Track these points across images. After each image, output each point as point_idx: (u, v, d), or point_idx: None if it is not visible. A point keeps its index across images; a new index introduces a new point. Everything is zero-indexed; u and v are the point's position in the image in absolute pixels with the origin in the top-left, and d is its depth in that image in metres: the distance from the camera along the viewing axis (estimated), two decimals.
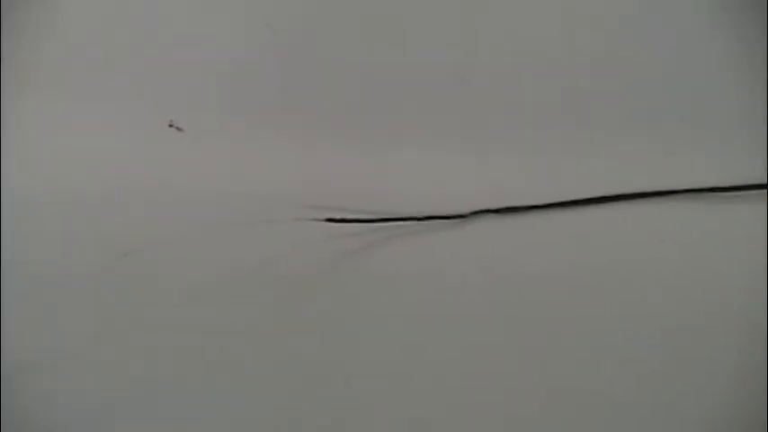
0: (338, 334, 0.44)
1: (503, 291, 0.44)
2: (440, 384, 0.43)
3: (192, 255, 0.44)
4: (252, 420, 0.42)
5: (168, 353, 0.43)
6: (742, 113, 0.43)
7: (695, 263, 0.43)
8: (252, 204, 0.44)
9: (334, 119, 0.45)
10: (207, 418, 0.42)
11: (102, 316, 0.44)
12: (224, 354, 0.43)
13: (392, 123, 0.45)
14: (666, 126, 0.45)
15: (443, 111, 0.45)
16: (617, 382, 0.43)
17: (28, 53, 0.44)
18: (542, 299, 0.44)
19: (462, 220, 0.44)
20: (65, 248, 0.44)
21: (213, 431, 0.42)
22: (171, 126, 0.45)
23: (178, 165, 0.45)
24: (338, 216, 0.44)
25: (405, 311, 0.44)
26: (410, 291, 0.44)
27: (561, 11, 0.43)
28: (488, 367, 0.44)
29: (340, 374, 0.43)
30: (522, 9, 0.43)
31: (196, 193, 0.44)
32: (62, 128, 0.45)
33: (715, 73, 0.43)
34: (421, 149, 0.45)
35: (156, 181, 0.45)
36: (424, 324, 0.44)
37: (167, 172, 0.45)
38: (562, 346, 0.44)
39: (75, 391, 0.42)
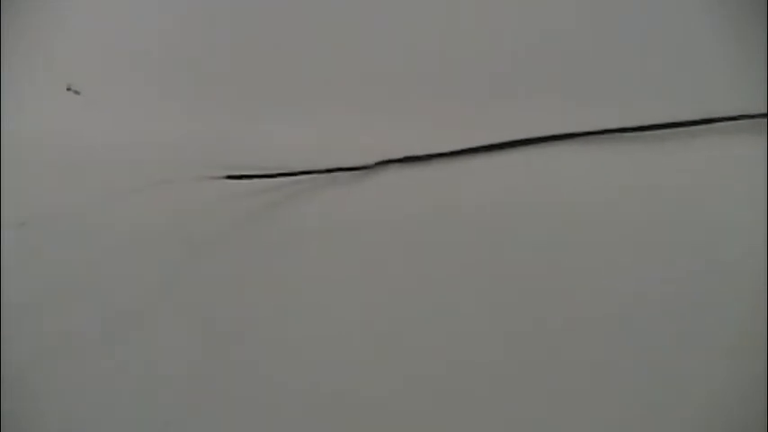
0: (244, 291, 0.44)
1: (411, 242, 0.44)
2: (340, 342, 0.43)
3: (95, 220, 0.44)
4: (159, 380, 0.43)
5: (76, 320, 0.44)
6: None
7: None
8: (151, 167, 0.43)
9: (230, 74, 0.44)
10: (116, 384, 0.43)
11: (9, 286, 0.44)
12: (130, 318, 0.44)
13: (291, 76, 0.44)
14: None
15: (343, 63, 0.44)
16: (526, 339, 0.43)
17: None
18: (454, 249, 0.44)
19: (366, 171, 0.44)
20: None
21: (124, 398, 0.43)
22: (69, 90, 0.44)
23: (78, 131, 0.44)
24: (239, 173, 0.43)
25: (311, 266, 0.44)
26: (317, 244, 0.44)
27: None
28: (394, 325, 0.44)
29: (241, 332, 0.43)
30: None
31: (97, 158, 0.44)
32: None
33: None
34: (321, 102, 0.44)
35: (57, 148, 0.44)
36: (329, 279, 0.44)
37: (68, 139, 0.44)
38: (471, 300, 0.43)
39: None
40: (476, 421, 0.42)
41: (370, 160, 0.44)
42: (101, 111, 0.44)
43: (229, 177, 0.43)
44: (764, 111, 0.41)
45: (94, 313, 0.44)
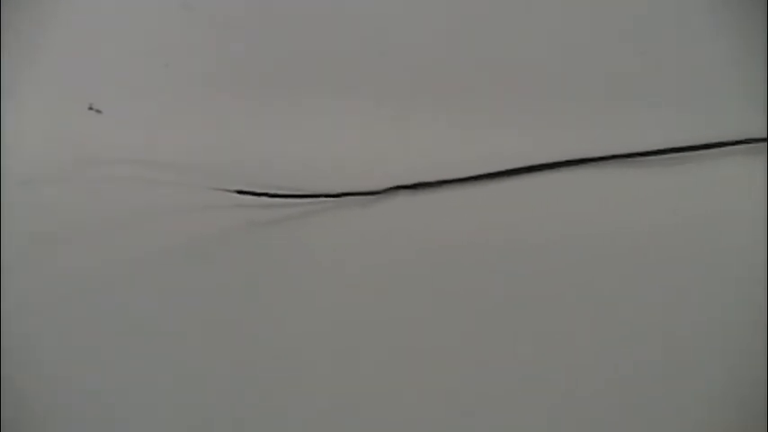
0: (246, 308, 0.43)
1: (419, 270, 0.43)
2: (346, 367, 0.42)
3: (100, 228, 0.43)
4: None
5: (77, 327, 0.43)
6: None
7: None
8: (163, 176, 0.43)
9: (248, 91, 0.44)
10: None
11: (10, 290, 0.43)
12: (131, 327, 0.43)
13: (308, 97, 0.44)
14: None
15: (360, 87, 0.44)
16: (531, 361, 0.42)
17: None
18: (463, 277, 0.43)
19: (377, 196, 0.44)
20: None
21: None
22: (91, 109, 0.45)
23: (93, 140, 0.44)
24: (249, 189, 0.43)
25: (315, 289, 0.43)
26: (322, 267, 0.43)
27: None
28: (400, 346, 0.42)
29: (242, 346, 0.42)
30: None
31: (111, 167, 0.44)
32: None
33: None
34: (335, 125, 0.44)
35: (60, 153, 0.44)
36: (334, 302, 0.43)
37: (82, 146, 0.44)
38: (480, 325, 0.42)
39: None
40: None
41: (381, 186, 0.44)
42: (108, 117, 0.45)
43: (240, 192, 0.43)
44: (765, 135, 0.42)
45: (94, 320, 0.43)
